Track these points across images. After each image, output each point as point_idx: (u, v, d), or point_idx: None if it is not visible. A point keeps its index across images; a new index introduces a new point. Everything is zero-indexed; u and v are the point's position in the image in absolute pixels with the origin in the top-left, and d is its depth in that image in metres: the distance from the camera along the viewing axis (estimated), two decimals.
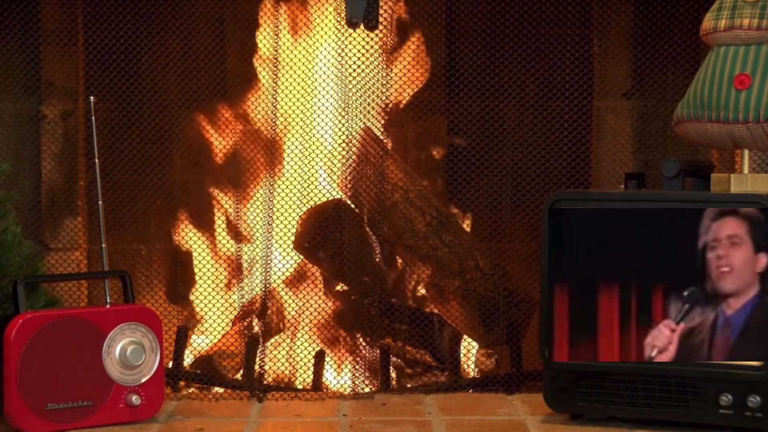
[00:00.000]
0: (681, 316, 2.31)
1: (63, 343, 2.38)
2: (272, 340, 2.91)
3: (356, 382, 2.84)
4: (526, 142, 2.97)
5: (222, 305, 3.00)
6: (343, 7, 2.77)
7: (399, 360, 2.93)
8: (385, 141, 2.90)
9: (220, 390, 2.82)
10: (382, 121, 2.88)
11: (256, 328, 2.87)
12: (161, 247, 3.04)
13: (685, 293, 2.31)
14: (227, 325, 2.97)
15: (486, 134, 2.95)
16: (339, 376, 2.90)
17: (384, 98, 2.87)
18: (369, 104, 2.85)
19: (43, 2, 2.91)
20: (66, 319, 2.40)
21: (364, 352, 2.86)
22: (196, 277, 3.01)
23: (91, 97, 2.56)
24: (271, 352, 2.87)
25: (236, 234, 2.95)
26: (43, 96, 2.95)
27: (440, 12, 2.95)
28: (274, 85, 2.90)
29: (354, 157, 2.86)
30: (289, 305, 2.97)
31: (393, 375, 2.85)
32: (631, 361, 2.34)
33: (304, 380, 2.86)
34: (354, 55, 2.81)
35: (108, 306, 2.49)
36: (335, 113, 2.86)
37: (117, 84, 2.93)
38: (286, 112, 2.91)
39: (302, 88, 2.89)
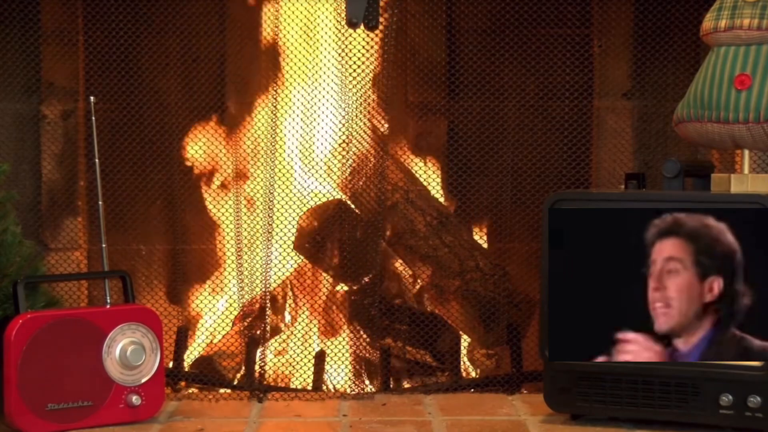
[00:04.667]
0: None
1: (63, 343, 2.38)
2: (272, 340, 2.91)
3: (356, 382, 2.84)
4: (526, 142, 2.97)
5: (222, 305, 3.00)
6: (343, 7, 2.77)
7: (399, 360, 2.93)
8: (385, 141, 2.90)
9: (220, 390, 2.82)
10: (382, 121, 2.88)
11: (256, 328, 2.87)
12: (161, 247, 3.04)
13: None
14: (227, 325, 2.97)
15: (486, 134, 2.94)
16: (339, 376, 2.90)
17: (384, 98, 2.87)
18: (369, 104, 2.85)
19: (43, 2, 2.90)
20: (66, 319, 2.40)
21: (364, 352, 2.86)
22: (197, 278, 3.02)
23: (91, 97, 2.56)
24: (271, 352, 2.87)
25: (236, 234, 2.95)
26: (43, 96, 2.95)
27: (440, 12, 2.95)
28: (275, 85, 2.90)
29: (354, 157, 2.86)
30: (290, 305, 2.97)
31: (393, 375, 2.85)
32: (632, 361, 2.33)
33: (304, 380, 2.86)
34: (354, 55, 2.81)
35: (108, 306, 2.49)
36: (335, 113, 2.86)
37: (117, 84, 2.93)
38: (286, 111, 2.91)
39: (302, 87, 2.89)
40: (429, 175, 3.03)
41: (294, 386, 2.84)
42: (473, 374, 2.95)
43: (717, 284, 2.25)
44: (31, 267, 2.50)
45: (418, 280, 2.99)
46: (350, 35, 2.81)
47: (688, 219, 2.24)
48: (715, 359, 2.26)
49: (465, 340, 2.94)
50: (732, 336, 2.24)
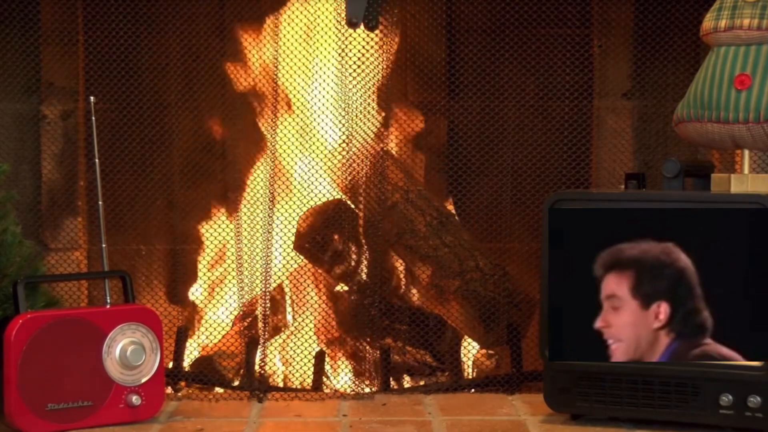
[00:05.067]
0: None
1: (63, 343, 2.38)
2: (272, 340, 2.91)
3: (356, 382, 2.84)
4: (526, 142, 2.97)
5: (222, 305, 3.00)
6: (343, 7, 2.77)
7: (399, 360, 2.93)
8: (385, 141, 2.90)
9: (220, 390, 2.82)
10: (383, 121, 2.88)
11: (256, 328, 2.87)
12: (161, 247, 3.04)
13: None
14: (227, 325, 2.97)
15: (486, 134, 2.94)
16: (339, 376, 2.90)
17: (384, 98, 2.87)
18: (369, 104, 2.85)
19: (43, 2, 2.90)
20: (66, 319, 2.40)
21: (364, 352, 2.86)
22: (198, 277, 3.02)
23: (91, 97, 2.56)
24: (271, 352, 2.87)
25: (237, 233, 2.95)
26: (43, 96, 2.95)
27: (440, 12, 2.95)
28: (275, 84, 2.90)
29: (354, 157, 2.86)
30: (289, 305, 2.97)
31: (393, 375, 2.85)
32: (632, 361, 2.33)
33: (304, 380, 2.86)
34: (354, 55, 2.81)
35: (108, 306, 2.49)
36: (335, 113, 2.86)
37: (117, 84, 2.93)
38: (286, 111, 2.91)
39: (302, 87, 2.89)
40: (429, 175, 3.03)
41: (294, 386, 2.84)
42: (473, 374, 2.95)
43: (663, 308, 2.25)
44: (31, 267, 2.50)
45: (418, 280, 2.99)
46: (350, 35, 2.81)
47: (629, 248, 2.26)
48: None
49: (465, 340, 2.94)
50: (698, 345, 2.24)
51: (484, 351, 2.97)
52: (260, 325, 2.86)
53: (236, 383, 2.84)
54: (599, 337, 2.32)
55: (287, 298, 2.97)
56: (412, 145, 3.04)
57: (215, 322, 2.99)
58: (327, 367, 2.88)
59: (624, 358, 2.29)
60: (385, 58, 2.85)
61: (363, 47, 2.80)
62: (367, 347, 2.86)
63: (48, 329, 2.37)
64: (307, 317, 2.95)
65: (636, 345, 2.27)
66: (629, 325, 2.26)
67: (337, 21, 2.81)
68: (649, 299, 2.26)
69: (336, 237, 2.93)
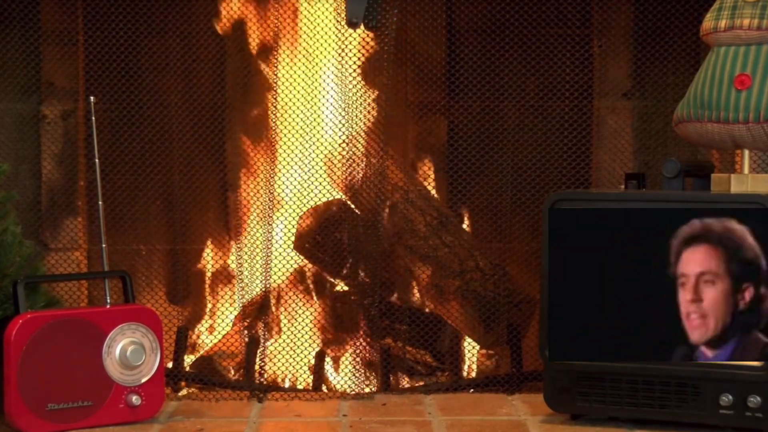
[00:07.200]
0: None
1: (63, 343, 2.38)
2: (272, 340, 2.91)
3: (356, 382, 2.84)
4: (526, 142, 2.97)
5: (222, 305, 3.00)
6: (343, 7, 2.77)
7: (399, 360, 2.93)
8: (385, 141, 2.90)
9: (220, 390, 2.82)
10: (382, 121, 2.88)
11: (256, 328, 2.87)
12: (161, 247, 3.04)
13: None
14: (227, 325, 2.97)
15: (486, 134, 2.95)
16: (339, 376, 2.90)
17: (383, 98, 2.87)
18: (369, 104, 2.85)
19: (43, 2, 2.91)
20: (66, 319, 2.40)
21: (364, 352, 2.86)
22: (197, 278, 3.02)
23: (91, 97, 2.56)
24: (271, 352, 2.87)
25: (237, 233, 2.95)
26: (43, 96, 2.95)
27: (440, 12, 2.95)
28: (274, 85, 2.90)
29: (354, 157, 2.86)
30: (289, 305, 2.97)
31: (393, 375, 2.85)
32: (632, 361, 2.33)
33: (304, 380, 2.86)
34: (354, 55, 2.81)
35: (108, 306, 2.49)
36: (335, 113, 2.86)
37: (117, 84, 2.93)
38: (286, 111, 2.91)
39: (302, 87, 2.89)
40: (429, 175, 3.03)
41: (294, 386, 2.84)
42: (473, 374, 2.95)
43: (749, 291, 2.24)
44: (31, 267, 2.50)
45: (418, 280, 2.99)
46: (350, 35, 2.81)
47: (716, 224, 2.23)
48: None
49: (465, 340, 2.94)
50: (756, 340, 2.23)
51: (484, 351, 2.97)
52: (260, 325, 2.86)
53: (236, 383, 2.84)
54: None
55: (287, 298, 2.97)
56: (412, 145, 3.04)
57: (215, 322, 2.99)
58: (327, 367, 2.88)
59: (702, 338, 2.25)
60: (385, 58, 2.85)
61: (363, 47, 2.80)
62: (367, 347, 2.86)
63: (48, 329, 2.37)
64: (307, 317, 2.95)
65: (718, 326, 2.24)
66: (719, 302, 2.23)
67: (337, 21, 2.81)
68: (739, 279, 2.23)
69: (336, 237, 2.93)
